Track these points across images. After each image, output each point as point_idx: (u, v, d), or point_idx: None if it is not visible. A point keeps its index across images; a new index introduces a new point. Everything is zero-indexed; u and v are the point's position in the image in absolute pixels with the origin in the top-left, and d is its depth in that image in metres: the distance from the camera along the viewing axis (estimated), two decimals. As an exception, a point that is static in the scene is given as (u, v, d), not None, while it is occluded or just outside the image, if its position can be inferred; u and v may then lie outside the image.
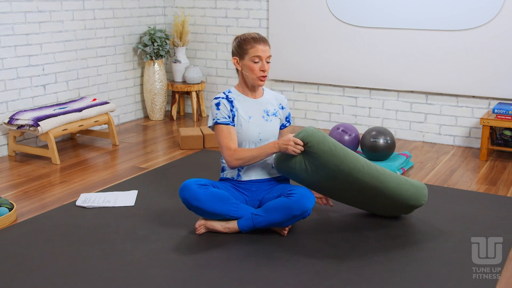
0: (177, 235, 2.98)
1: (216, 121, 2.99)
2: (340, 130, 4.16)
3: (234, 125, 3.01)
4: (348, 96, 5.13)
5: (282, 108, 3.15)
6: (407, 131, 4.95)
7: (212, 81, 5.78)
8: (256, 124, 3.04)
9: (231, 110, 3.01)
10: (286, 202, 2.86)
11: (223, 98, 3.02)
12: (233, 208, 2.93)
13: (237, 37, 3.05)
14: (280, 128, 3.18)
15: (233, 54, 3.04)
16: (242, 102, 3.04)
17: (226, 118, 2.98)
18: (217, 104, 3.00)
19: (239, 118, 3.02)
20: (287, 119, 3.20)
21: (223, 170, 3.14)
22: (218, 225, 2.98)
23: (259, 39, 2.98)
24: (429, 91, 4.78)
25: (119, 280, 2.52)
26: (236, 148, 2.95)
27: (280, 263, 2.67)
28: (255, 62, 2.96)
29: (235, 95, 3.06)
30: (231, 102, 3.02)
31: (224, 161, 3.10)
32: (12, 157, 4.40)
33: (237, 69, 3.07)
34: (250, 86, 3.05)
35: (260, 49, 2.96)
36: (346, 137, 4.14)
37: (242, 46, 2.98)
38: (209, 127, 3.05)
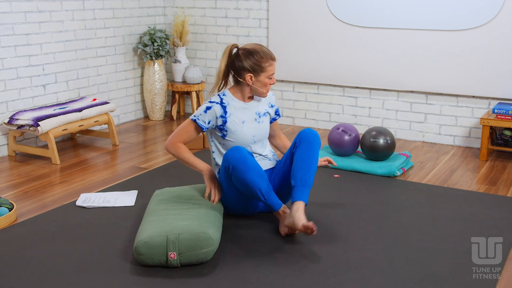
0: (177, 235, 2.97)
1: (194, 119, 3.06)
2: (340, 130, 4.16)
3: (203, 131, 3.09)
4: (348, 96, 5.13)
5: (272, 106, 3.26)
6: (407, 131, 4.95)
7: (212, 81, 5.78)
8: (249, 128, 3.12)
9: (223, 116, 3.06)
10: (305, 146, 2.98)
11: (217, 103, 3.06)
12: (267, 187, 2.92)
13: (248, 51, 3.02)
14: (270, 122, 3.29)
15: (247, 71, 3.02)
16: (237, 107, 3.10)
17: (204, 123, 3.06)
18: (208, 108, 3.05)
19: (232, 123, 3.08)
20: (276, 113, 3.30)
21: (217, 164, 3.18)
22: (290, 217, 2.93)
23: (273, 56, 3.05)
24: (429, 91, 4.78)
25: (120, 280, 2.52)
26: (179, 143, 3.09)
27: (280, 263, 2.67)
28: (269, 78, 3.06)
29: (229, 99, 3.10)
30: (224, 107, 3.07)
31: (216, 158, 3.16)
32: (12, 157, 4.40)
33: (239, 80, 3.08)
34: (250, 95, 3.13)
35: (275, 66, 3.06)
36: (346, 137, 4.14)
37: (260, 64, 3.01)
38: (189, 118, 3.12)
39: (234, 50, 3.08)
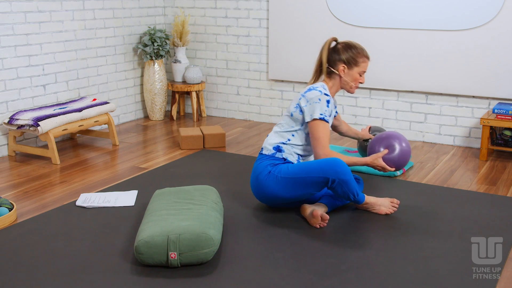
0: (177, 235, 2.97)
1: (323, 118, 3.08)
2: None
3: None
4: (348, 96, 5.13)
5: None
6: (407, 131, 4.95)
7: (212, 81, 5.79)
8: None
9: (335, 107, 3.31)
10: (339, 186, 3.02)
11: (328, 95, 3.13)
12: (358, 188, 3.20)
13: (347, 45, 3.20)
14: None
15: (342, 62, 3.18)
16: (331, 101, 3.21)
17: (329, 117, 3.15)
18: (328, 101, 3.12)
19: (332, 116, 3.25)
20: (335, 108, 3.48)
21: (279, 150, 3.15)
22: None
23: (369, 56, 3.26)
24: (429, 91, 4.78)
25: (120, 280, 2.52)
26: (330, 151, 3.08)
27: (280, 263, 2.68)
28: (360, 75, 3.21)
29: (328, 93, 3.20)
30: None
31: (297, 149, 3.17)
32: (12, 157, 4.40)
33: (332, 72, 3.21)
34: (337, 90, 3.26)
35: (368, 65, 3.25)
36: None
37: (356, 58, 3.18)
38: (308, 121, 3.10)
39: (333, 43, 3.24)
